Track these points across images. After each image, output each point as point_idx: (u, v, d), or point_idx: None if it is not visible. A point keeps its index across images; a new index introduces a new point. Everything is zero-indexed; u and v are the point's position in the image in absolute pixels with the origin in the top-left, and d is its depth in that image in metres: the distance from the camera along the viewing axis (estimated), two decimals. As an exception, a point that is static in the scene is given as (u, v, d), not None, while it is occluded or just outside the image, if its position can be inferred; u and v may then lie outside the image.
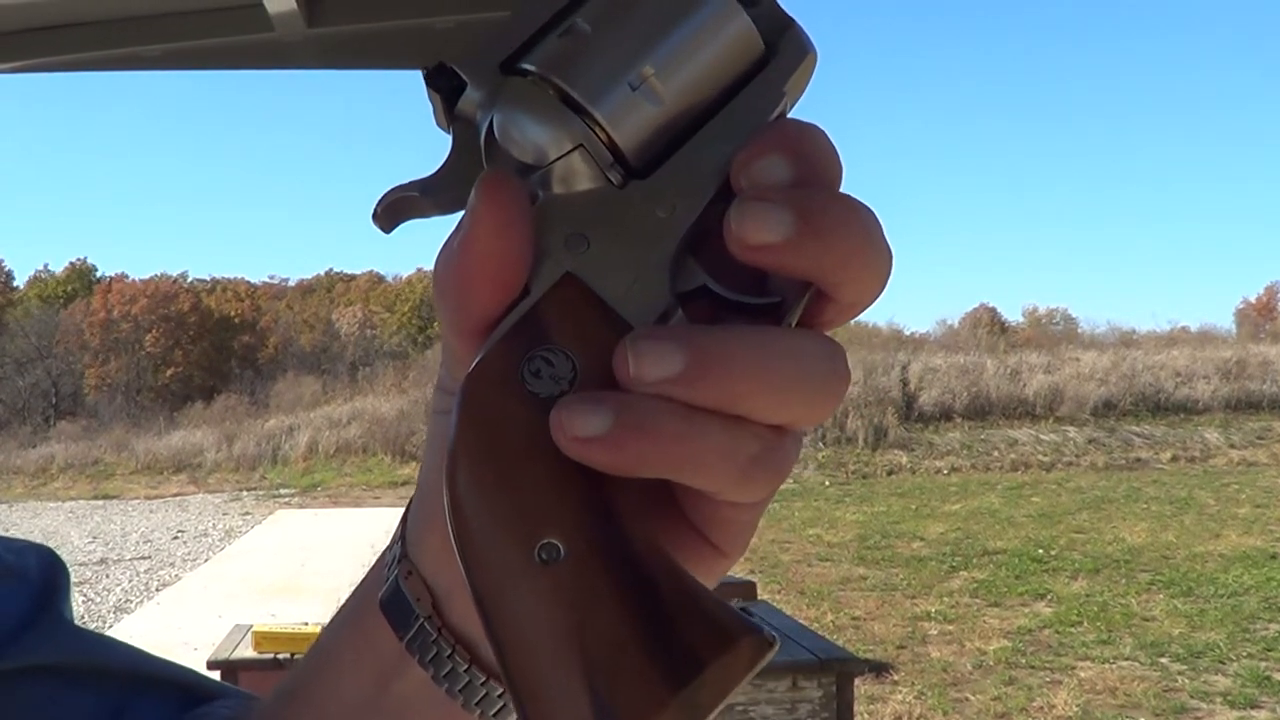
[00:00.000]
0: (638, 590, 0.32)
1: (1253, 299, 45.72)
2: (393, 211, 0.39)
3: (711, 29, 0.37)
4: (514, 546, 0.33)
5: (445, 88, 0.38)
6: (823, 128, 0.37)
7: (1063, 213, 74.22)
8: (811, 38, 0.39)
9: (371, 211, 0.39)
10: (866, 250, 0.35)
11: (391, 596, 0.40)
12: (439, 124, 0.40)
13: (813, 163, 0.36)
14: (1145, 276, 72.29)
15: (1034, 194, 72.94)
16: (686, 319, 0.36)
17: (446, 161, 0.39)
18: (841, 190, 0.36)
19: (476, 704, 0.40)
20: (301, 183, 72.27)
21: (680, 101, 0.37)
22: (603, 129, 0.36)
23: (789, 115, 0.39)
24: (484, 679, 0.40)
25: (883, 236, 0.36)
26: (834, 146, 0.36)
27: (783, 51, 0.38)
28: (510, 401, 0.35)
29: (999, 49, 74.01)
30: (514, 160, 0.37)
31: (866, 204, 0.36)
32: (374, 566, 0.44)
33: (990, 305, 44.82)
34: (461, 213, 0.37)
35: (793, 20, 0.39)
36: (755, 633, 0.32)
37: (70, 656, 0.58)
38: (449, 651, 0.38)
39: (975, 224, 72.06)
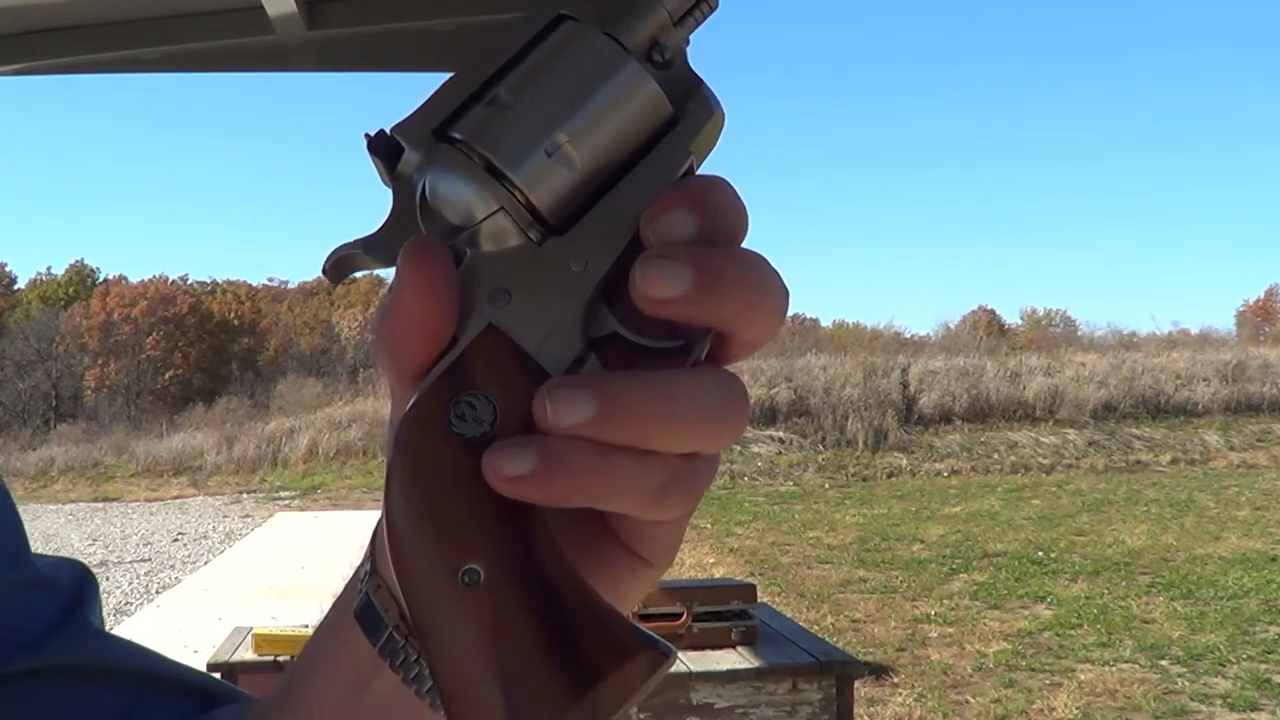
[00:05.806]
0: (547, 610, 0.37)
1: (1253, 301, 45.83)
2: (339, 268, 0.43)
3: (622, 97, 0.41)
4: (441, 571, 0.38)
5: (385, 153, 0.42)
6: (728, 180, 0.40)
7: (1062, 214, 74.38)
8: (719, 97, 0.42)
9: (321, 267, 0.43)
10: (761, 301, 0.40)
11: (364, 607, 0.44)
12: (383, 183, 0.43)
13: (715, 215, 0.40)
14: (1145, 278, 72.47)
15: (1033, 196, 73.09)
16: (600, 363, 0.41)
17: (387, 220, 0.42)
18: (742, 244, 0.40)
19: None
20: (302, 185, 72.37)
21: (593, 164, 0.40)
22: (521, 192, 0.40)
23: (698, 171, 0.42)
24: None
25: (777, 284, 0.40)
26: (738, 198, 0.40)
27: (690, 113, 0.42)
28: (438, 442, 0.39)
29: (999, 51, 74.17)
30: (445, 220, 0.41)
31: (762, 255, 0.40)
32: (350, 579, 0.49)
33: (989, 307, 44.94)
34: None
35: (701, 82, 0.42)
36: (652, 647, 0.37)
37: (88, 658, 0.62)
38: (415, 656, 0.41)
39: (974, 226, 72.21)
